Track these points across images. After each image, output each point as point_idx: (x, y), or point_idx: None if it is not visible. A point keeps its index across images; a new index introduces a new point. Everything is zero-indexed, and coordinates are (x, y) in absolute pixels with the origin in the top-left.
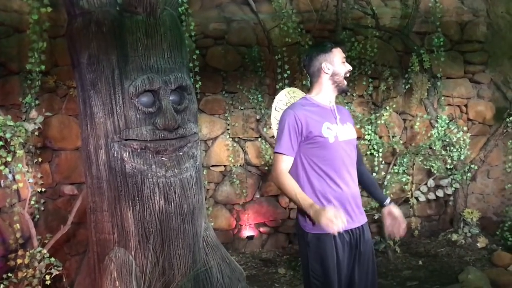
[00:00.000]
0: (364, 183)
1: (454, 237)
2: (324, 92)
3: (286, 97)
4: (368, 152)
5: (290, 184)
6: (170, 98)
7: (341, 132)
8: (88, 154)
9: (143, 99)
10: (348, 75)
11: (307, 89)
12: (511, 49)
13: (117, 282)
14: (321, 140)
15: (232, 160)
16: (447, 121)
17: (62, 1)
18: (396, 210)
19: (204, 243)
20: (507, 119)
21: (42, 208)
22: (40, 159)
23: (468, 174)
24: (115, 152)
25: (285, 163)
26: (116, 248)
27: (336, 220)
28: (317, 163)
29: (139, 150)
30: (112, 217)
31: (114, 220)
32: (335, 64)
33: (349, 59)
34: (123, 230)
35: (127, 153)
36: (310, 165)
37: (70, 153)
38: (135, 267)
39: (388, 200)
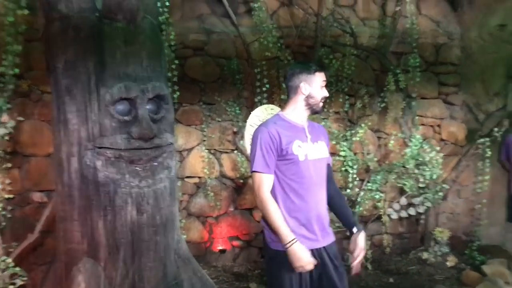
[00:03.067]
0: (335, 206)
1: (425, 255)
2: (298, 111)
3: (263, 113)
4: (343, 168)
5: (275, 215)
6: (147, 107)
7: (311, 151)
8: (59, 161)
9: (119, 107)
10: (323, 100)
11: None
12: (483, 72)
13: None
14: (291, 158)
15: (207, 172)
16: (421, 141)
17: (40, 4)
18: (361, 241)
19: (176, 256)
20: (478, 141)
21: (9, 215)
22: (9, 165)
23: (440, 194)
24: (88, 160)
25: (266, 182)
26: (85, 259)
27: (306, 267)
28: (285, 180)
29: (112, 159)
30: (82, 227)
31: (84, 230)
32: (313, 87)
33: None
34: (93, 240)
35: (101, 162)
36: (278, 181)
37: (41, 159)
38: (104, 279)
39: (355, 229)
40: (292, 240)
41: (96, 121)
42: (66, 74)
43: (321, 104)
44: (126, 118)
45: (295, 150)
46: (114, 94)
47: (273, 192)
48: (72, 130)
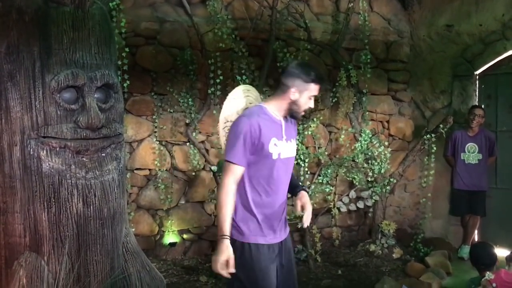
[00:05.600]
0: None
1: (372, 247)
2: (279, 109)
3: (241, 96)
4: (295, 162)
5: (227, 206)
6: (95, 95)
7: (284, 150)
8: (1, 151)
9: (65, 95)
10: (306, 111)
11: None
12: (430, 70)
13: None
14: (266, 155)
15: (158, 164)
16: (370, 136)
17: None
18: (307, 198)
19: (124, 250)
20: (424, 137)
21: None
22: None
23: (387, 187)
24: (31, 150)
25: (235, 174)
26: (27, 253)
27: (221, 269)
28: (256, 175)
29: (58, 149)
30: (24, 219)
31: (27, 223)
32: (302, 96)
33: (279, 69)
34: (36, 233)
35: (45, 152)
36: (249, 175)
37: None
38: (47, 274)
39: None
40: (226, 235)
41: (40, 109)
42: (9, 59)
43: (302, 113)
44: (72, 106)
45: (270, 148)
46: (60, 81)
47: (242, 185)
48: (14, 118)
